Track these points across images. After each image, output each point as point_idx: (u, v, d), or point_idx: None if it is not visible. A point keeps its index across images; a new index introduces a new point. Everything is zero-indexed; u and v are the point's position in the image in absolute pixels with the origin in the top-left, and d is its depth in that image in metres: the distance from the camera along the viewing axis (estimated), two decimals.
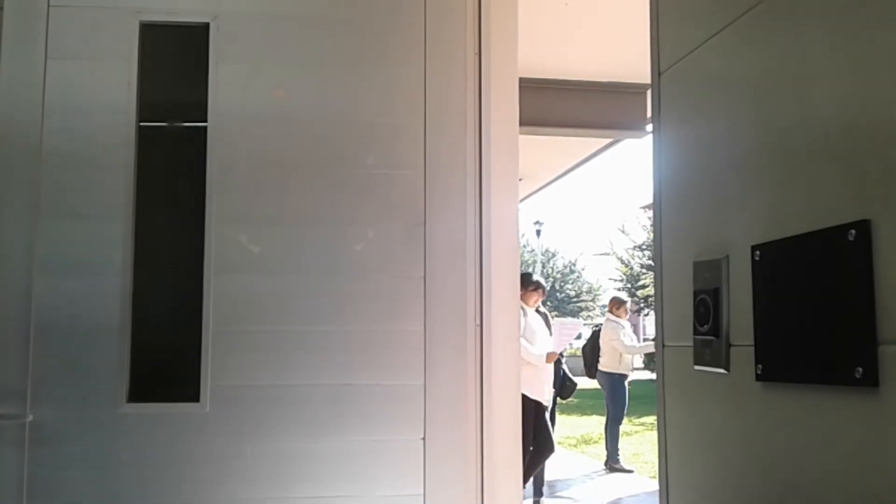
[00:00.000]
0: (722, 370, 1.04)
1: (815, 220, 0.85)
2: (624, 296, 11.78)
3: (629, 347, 8.19)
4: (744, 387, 0.99)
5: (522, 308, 8.08)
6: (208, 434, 1.94)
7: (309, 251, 2.01)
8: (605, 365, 8.26)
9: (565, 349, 9.83)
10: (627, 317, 8.50)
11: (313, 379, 1.98)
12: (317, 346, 1.99)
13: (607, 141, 6.80)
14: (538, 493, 6.64)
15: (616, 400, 8.25)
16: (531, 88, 5.16)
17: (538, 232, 28.62)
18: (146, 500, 1.91)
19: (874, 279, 0.76)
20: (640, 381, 16.49)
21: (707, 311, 1.06)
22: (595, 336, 8.51)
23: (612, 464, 8.44)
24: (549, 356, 7.57)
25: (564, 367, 9.55)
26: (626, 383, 8.27)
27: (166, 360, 2.05)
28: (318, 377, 1.98)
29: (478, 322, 2.07)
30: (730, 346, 1.02)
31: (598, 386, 8.62)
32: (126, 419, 1.93)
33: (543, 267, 34.15)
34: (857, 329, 0.78)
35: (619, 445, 8.50)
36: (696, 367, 1.10)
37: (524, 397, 4.63)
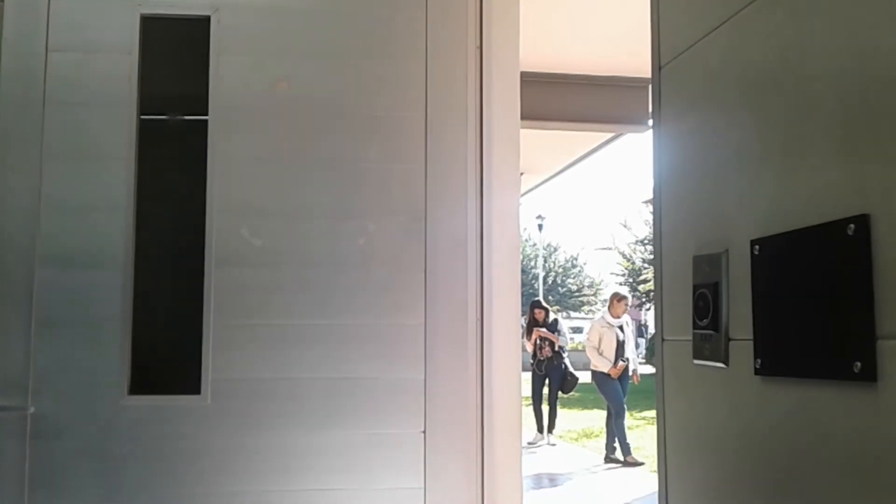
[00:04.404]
0: (721, 364, 1.04)
1: (815, 215, 0.85)
2: (624, 291, 11.99)
3: (591, 351, 8.53)
4: (743, 381, 0.99)
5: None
6: (209, 427, 1.95)
7: (310, 245, 2.01)
8: (593, 364, 8.54)
9: (566, 344, 9.93)
10: (625, 312, 8.62)
11: (314, 372, 1.98)
12: (318, 339, 1.99)
13: (609, 135, 6.79)
14: None
15: (607, 396, 8.48)
16: (533, 82, 5.14)
17: (540, 226, 28.63)
18: (147, 491, 1.92)
19: (873, 273, 0.76)
20: (642, 375, 16.43)
21: (706, 305, 1.06)
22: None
23: (625, 455, 8.50)
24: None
25: (566, 361, 9.59)
26: (615, 378, 8.39)
27: (167, 352, 2.06)
28: (319, 370, 1.98)
29: (478, 316, 2.07)
30: (729, 340, 1.03)
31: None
32: (127, 411, 1.93)
33: (545, 261, 34.15)
34: (856, 323, 0.78)
35: (629, 439, 8.56)
36: (696, 362, 1.10)
37: None
